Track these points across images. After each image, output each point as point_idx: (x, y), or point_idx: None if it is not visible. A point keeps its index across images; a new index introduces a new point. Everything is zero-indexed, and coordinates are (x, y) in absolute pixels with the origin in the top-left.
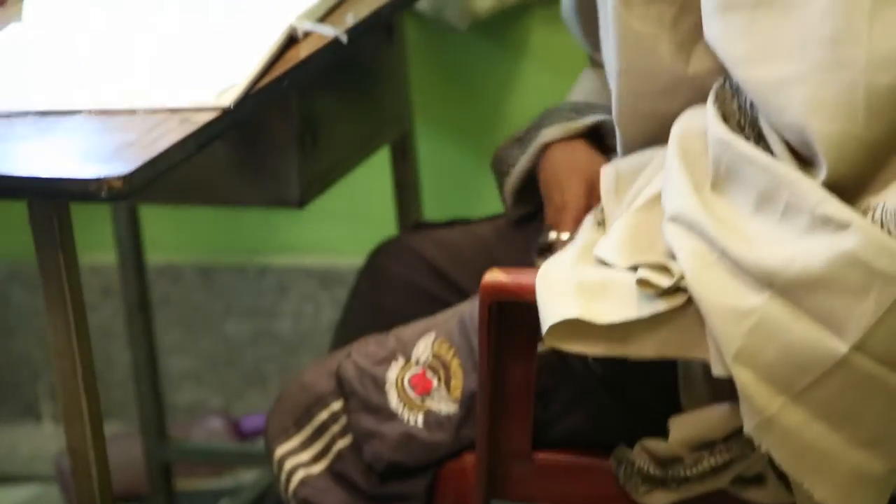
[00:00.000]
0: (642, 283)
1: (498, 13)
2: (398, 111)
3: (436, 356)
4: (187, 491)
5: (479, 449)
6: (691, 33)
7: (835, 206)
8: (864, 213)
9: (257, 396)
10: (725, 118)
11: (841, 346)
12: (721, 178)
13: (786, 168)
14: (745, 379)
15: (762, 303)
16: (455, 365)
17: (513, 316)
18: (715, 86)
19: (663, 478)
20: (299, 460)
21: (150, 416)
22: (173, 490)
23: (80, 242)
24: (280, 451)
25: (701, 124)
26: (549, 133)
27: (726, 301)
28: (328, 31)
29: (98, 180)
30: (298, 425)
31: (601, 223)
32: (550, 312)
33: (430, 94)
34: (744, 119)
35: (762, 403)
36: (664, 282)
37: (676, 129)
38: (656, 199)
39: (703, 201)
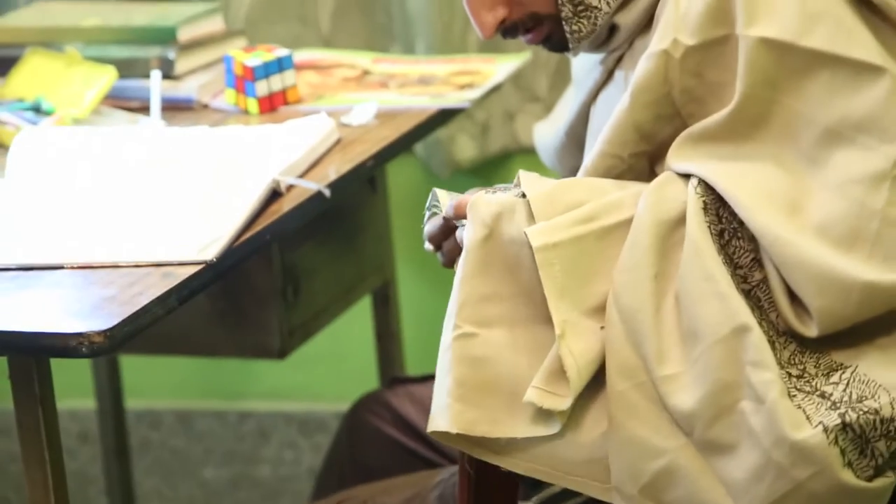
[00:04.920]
0: (539, 405)
1: (480, 161)
2: (380, 260)
3: None
4: None
5: None
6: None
7: (759, 377)
8: (833, 371)
9: None
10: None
11: None
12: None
13: (742, 309)
14: None
15: (676, 447)
16: None
17: (491, 474)
18: (695, 184)
19: None
20: None
21: None
22: None
23: (59, 388)
24: None
25: (681, 208)
26: None
27: (642, 433)
28: (311, 185)
29: (79, 335)
30: None
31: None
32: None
33: (412, 240)
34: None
35: None
36: (561, 405)
37: (653, 199)
38: (615, 229)
39: (657, 306)
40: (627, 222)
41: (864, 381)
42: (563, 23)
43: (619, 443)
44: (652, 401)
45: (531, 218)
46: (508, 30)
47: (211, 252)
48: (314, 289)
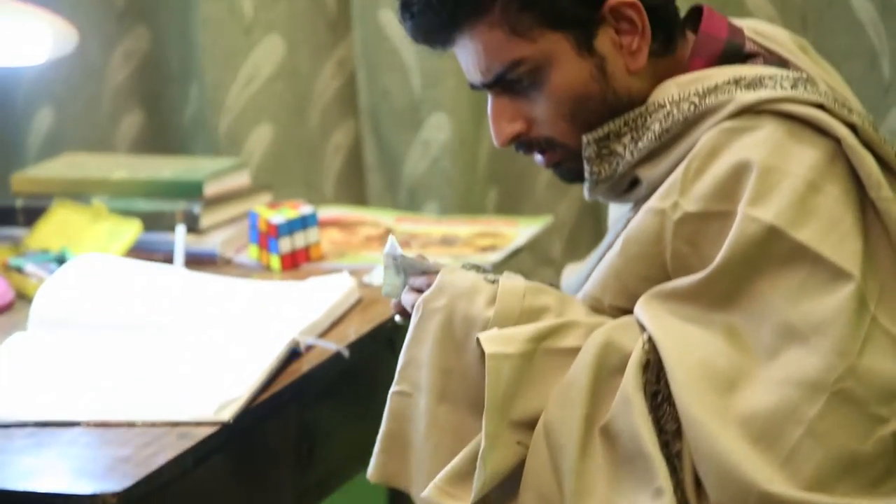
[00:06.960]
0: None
1: None
2: None
3: None
4: None
5: None
6: None
7: None
8: None
9: None
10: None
11: None
12: (610, 430)
13: (661, 471)
14: None
15: None
16: None
17: None
18: (645, 339)
19: None
20: None
21: None
22: None
23: None
24: None
25: (625, 359)
26: None
27: None
28: (330, 346)
29: (92, 497)
30: None
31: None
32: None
33: None
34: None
35: None
36: None
37: (601, 341)
38: (562, 355)
39: (583, 447)
40: (575, 351)
41: None
42: (585, 163)
43: None
44: None
45: (491, 303)
46: (523, 145)
47: (228, 413)
48: (329, 449)
